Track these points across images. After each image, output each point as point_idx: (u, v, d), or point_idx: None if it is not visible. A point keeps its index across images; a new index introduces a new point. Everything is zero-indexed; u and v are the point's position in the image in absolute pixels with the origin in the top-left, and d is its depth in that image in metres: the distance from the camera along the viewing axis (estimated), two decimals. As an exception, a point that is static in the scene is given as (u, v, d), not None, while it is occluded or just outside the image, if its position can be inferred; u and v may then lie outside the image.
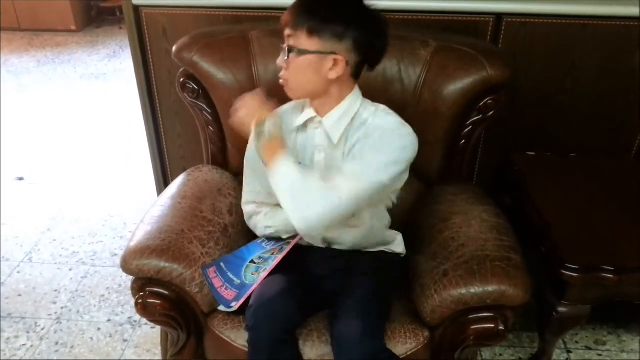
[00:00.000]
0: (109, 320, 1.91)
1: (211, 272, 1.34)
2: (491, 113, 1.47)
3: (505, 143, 1.83)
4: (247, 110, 1.25)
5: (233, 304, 1.30)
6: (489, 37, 1.67)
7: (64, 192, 2.71)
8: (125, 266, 1.28)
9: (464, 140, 1.52)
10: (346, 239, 1.36)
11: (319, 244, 1.39)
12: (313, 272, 1.36)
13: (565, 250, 1.37)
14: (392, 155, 1.19)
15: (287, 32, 1.19)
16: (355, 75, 1.25)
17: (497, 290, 1.18)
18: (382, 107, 1.30)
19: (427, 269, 1.30)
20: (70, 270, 2.15)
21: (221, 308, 1.34)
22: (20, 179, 2.83)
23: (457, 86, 1.42)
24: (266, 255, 1.40)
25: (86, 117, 3.54)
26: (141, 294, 1.31)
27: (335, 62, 1.17)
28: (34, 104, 3.76)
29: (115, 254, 2.23)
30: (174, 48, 1.55)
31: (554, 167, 1.73)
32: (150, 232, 1.33)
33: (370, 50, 1.21)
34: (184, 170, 2.02)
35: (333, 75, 1.19)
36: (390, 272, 1.38)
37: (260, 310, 1.22)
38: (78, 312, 1.94)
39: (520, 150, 1.79)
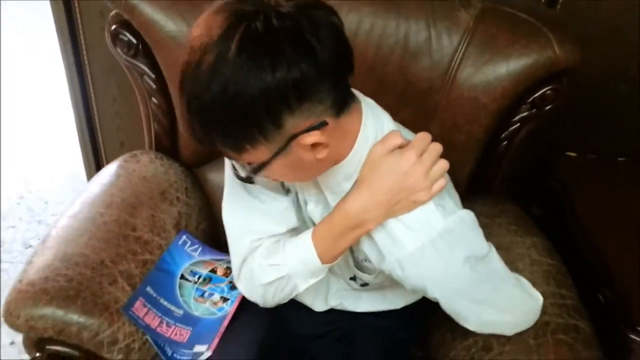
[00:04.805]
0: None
1: (138, 308, 0.91)
2: (548, 107, 1.07)
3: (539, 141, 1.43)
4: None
5: (200, 348, 0.90)
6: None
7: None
8: (9, 319, 0.85)
9: (505, 142, 1.12)
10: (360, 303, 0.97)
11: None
12: (296, 333, 0.96)
13: (635, 306, 1.02)
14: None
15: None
16: (341, 107, 0.71)
17: (566, 381, 0.82)
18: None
19: (459, 337, 0.91)
20: (-32, 267, 1.68)
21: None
22: None
23: (510, 67, 1.00)
24: (201, 272, 1.03)
25: (6, 68, 2.93)
26: (38, 354, 0.88)
27: (309, 145, 0.69)
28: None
29: (30, 246, 1.75)
30: (101, -19, 1.07)
31: (602, 175, 1.36)
32: (50, 265, 0.89)
33: (337, 69, 0.68)
34: (120, 144, 1.57)
35: (322, 153, 0.71)
36: (406, 331, 1.01)
37: None
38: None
39: (558, 150, 1.40)
